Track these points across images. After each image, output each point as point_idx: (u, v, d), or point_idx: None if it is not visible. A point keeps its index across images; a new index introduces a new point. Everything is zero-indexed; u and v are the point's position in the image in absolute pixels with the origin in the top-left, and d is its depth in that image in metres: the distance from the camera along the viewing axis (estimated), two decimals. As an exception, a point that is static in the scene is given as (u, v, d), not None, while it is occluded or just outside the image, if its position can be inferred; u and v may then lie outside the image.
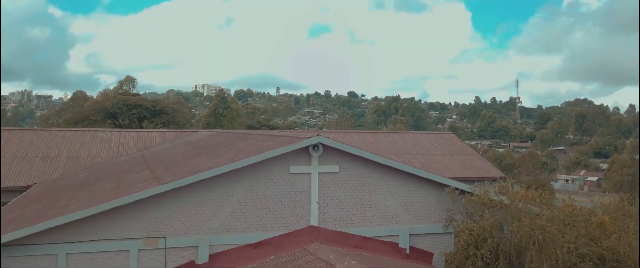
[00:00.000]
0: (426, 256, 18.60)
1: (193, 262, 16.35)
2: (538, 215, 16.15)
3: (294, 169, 17.57)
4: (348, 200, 18.07)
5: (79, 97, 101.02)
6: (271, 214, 17.29)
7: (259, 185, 17.21)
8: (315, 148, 17.44)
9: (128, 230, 15.94)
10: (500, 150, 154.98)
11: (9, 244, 14.71)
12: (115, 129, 47.83)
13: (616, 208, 17.95)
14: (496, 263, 16.02)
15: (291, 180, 17.58)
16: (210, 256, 16.44)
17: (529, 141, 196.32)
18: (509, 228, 16.32)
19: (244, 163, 16.73)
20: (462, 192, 18.32)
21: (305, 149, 17.49)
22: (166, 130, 43.75)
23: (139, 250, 15.96)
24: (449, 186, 18.28)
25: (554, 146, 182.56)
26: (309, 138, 17.51)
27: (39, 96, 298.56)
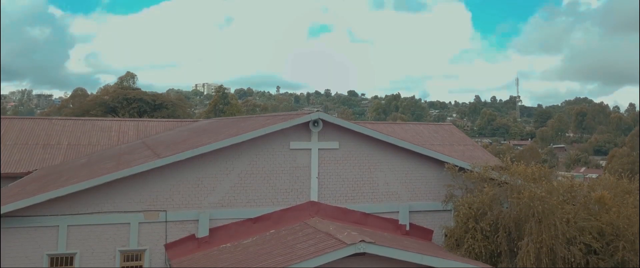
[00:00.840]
0: (426, 233, 18.66)
1: (193, 235, 16.41)
2: (537, 187, 16.16)
3: (294, 144, 17.62)
4: (348, 176, 18.12)
5: (79, 94, 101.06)
6: (271, 189, 17.35)
7: (259, 160, 17.27)
8: (316, 124, 17.50)
9: (128, 203, 15.99)
10: (501, 147, 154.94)
11: (10, 215, 14.77)
12: (115, 118, 47.88)
13: (615, 185, 17.98)
14: (496, 236, 16.07)
15: (291, 155, 17.63)
16: (211, 230, 16.50)
17: (529, 139, 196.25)
18: (509, 199, 16.36)
19: (244, 138, 16.79)
20: (462, 170, 18.36)
21: (306, 125, 17.56)
22: (167, 120, 43.76)
23: (139, 223, 16.03)
24: (449, 163, 18.31)
25: (554, 144, 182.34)
26: (309, 113, 17.56)
27: (39, 95, 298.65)
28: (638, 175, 19.21)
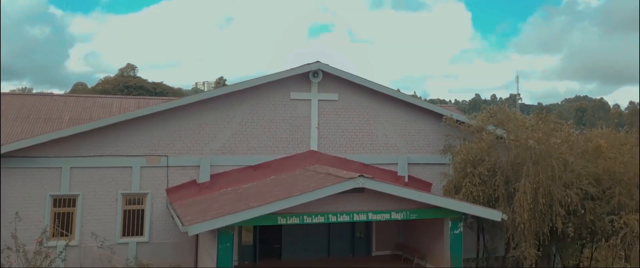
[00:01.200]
0: (424, 185, 18.79)
1: (194, 181, 16.59)
2: (535, 132, 16.26)
3: (294, 95, 17.81)
4: (347, 127, 18.30)
5: (79, 88, 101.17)
6: (272, 138, 17.53)
7: (259, 109, 17.45)
8: (315, 75, 17.67)
9: (131, 147, 16.17)
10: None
11: (13, 155, 14.97)
12: (116, 96, 48.01)
13: (613, 137, 18.13)
14: (493, 180, 16.23)
15: (291, 105, 17.81)
16: (212, 176, 16.68)
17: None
18: (506, 142, 16.53)
19: (245, 85, 16.99)
20: (459, 123, 18.49)
21: (306, 76, 17.73)
22: (169, 98, 43.79)
23: (141, 167, 16.21)
24: (447, 115, 18.45)
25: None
26: (309, 64, 17.73)
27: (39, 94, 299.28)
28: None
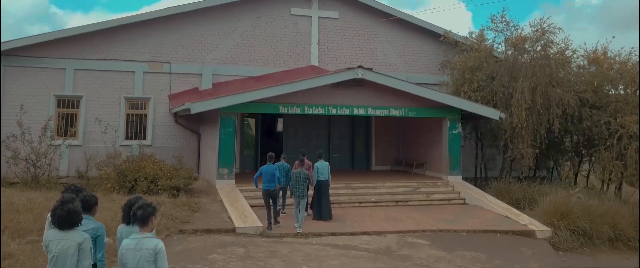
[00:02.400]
0: (424, 105, 19.00)
1: (197, 88, 16.80)
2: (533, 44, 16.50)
3: (294, 11, 18.04)
4: (347, 45, 18.53)
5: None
6: (273, 51, 17.76)
7: (261, 22, 17.68)
8: (316, -10, 17.91)
9: (133, 52, 16.40)
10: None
11: (18, 54, 15.20)
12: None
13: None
14: (491, 85, 16.45)
15: (292, 21, 18.05)
16: (214, 84, 16.88)
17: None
18: (504, 48, 16.76)
19: (246, -4, 17.25)
20: (457, 42, 18.66)
21: (306, -8, 17.99)
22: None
23: (144, 72, 16.42)
24: (446, 33, 18.65)
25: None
26: (309, -21, 17.98)
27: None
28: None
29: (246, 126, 18.30)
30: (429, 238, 10.65)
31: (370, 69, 14.59)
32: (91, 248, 4.48)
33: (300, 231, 10.46)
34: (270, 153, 11.43)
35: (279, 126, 19.37)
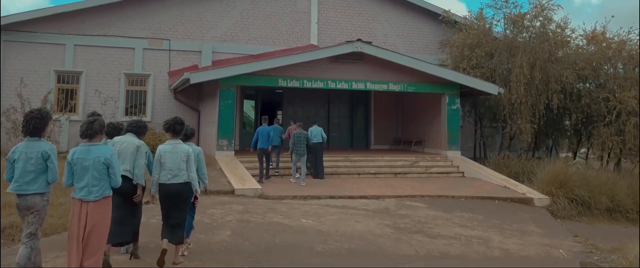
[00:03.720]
0: (423, 85, 19.04)
1: (196, 65, 16.83)
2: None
3: (294, -11, 18.11)
4: (346, 25, 18.56)
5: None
6: (273, 30, 17.79)
7: (260, 0, 17.72)
8: (315, -31, 17.94)
9: (133, 29, 16.43)
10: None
11: (18, 29, 15.23)
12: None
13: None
14: (490, 62, 16.49)
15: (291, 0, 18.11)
16: (213, 62, 16.90)
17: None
18: (504, 24, 16.81)
19: (246, -26, 17.27)
20: (457, 23, 18.70)
21: (306, -29, 18.01)
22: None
23: (143, 49, 16.46)
24: (445, 13, 18.68)
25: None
26: (309, -42, 18.00)
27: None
28: None
29: (246, 109, 18.37)
30: (427, 202, 10.69)
31: (369, 43, 14.63)
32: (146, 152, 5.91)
33: (304, 184, 11.21)
34: (264, 116, 12.20)
35: (279, 107, 19.41)
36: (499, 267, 6.72)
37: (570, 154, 18.52)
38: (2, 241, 6.34)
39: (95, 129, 4.79)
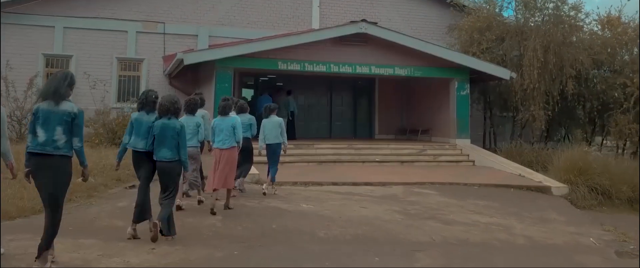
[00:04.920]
0: (429, 72, 18.24)
1: (192, 50, 15.99)
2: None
3: (295, -29, 17.30)
4: (350, 8, 17.74)
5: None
6: (273, 13, 17.00)
7: (260, -17, 16.96)
8: (317, -49, 17.14)
9: (126, 11, 15.65)
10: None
11: (3, 11, 14.42)
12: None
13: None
14: (501, 46, 15.69)
15: (293, -18, 17.31)
16: (210, 46, 16.08)
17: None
18: (515, 8, 16.00)
19: (245, -45, 16.48)
20: (464, 7, 17.87)
21: (307, -48, 17.22)
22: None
23: (137, 32, 15.69)
24: None
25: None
26: (311, -62, 17.20)
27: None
28: None
29: (246, 98, 17.61)
30: (438, 189, 9.91)
31: (375, 23, 13.84)
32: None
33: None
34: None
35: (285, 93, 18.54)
36: (527, 255, 5.93)
37: (584, 144, 17.68)
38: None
39: (227, 110, 7.18)
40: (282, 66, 13.44)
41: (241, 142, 7.26)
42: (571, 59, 14.82)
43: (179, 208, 6.37)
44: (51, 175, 4.15)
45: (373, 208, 7.64)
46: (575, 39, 15.68)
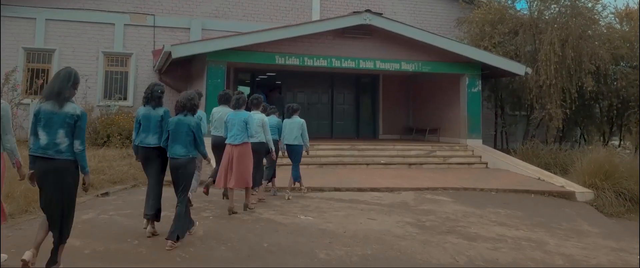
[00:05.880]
0: (436, 68, 17.22)
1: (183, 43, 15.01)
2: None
3: (294, -39, 16.27)
4: (352, 1, 16.73)
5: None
6: (271, 5, 15.99)
7: (256, -28, 15.92)
8: (318, -61, 16.12)
9: (114, 2, 14.64)
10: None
11: (-19, 0, 13.44)
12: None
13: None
14: (514, 40, 14.66)
15: (291, -28, 16.28)
16: (202, 38, 15.08)
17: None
18: (530, 5, 14.95)
19: (240, -57, 15.44)
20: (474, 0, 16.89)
21: (307, -59, 16.19)
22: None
23: (125, 25, 14.67)
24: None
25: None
26: None
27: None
28: None
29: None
30: (452, 195, 8.89)
31: (380, 14, 12.81)
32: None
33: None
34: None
35: (277, 92, 17.57)
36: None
37: (601, 144, 16.65)
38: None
39: (240, 103, 6.80)
40: (279, 61, 12.41)
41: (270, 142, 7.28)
42: (590, 54, 13.80)
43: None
44: (56, 180, 3.93)
45: (382, 220, 6.62)
46: (590, 33, 14.67)
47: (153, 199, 5.26)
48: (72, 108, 3.97)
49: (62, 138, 3.90)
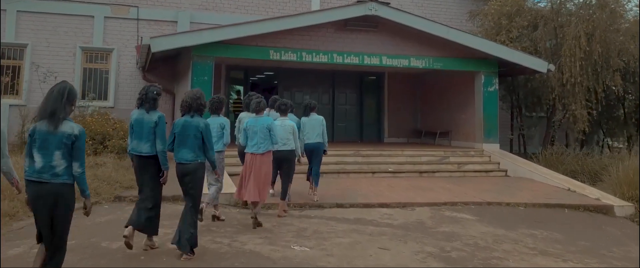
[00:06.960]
0: (446, 66, 15.89)
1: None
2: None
3: (292, -51, 14.93)
4: (355, -8, 15.39)
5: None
6: (265, -3, 14.67)
7: (251, -39, 14.59)
8: None
9: (93, -7, 13.32)
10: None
11: (-56, -12, 12.12)
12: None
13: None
14: (533, 34, 13.33)
15: (289, -39, 14.94)
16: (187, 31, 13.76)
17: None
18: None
19: None
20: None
21: None
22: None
23: (105, 17, 13.32)
24: (473, -20, 15.55)
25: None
26: None
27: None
28: None
29: (233, 93, 15.32)
30: (474, 212, 7.55)
31: (387, 4, 11.48)
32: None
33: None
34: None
35: (273, 91, 16.25)
36: None
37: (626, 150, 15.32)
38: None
39: (262, 107, 6.35)
40: (274, 56, 11.08)
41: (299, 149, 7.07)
42: (618, 49, 12.48)
43: (216, 218, 6.14)
44: (50, 205, 3.57)
45: (397, 251, 5.28)
46: (617, 27, 13.37)
47: (146, 208, 4.82)
48: (70, 127, 3.60)
49: (58, 160, 3.56)
